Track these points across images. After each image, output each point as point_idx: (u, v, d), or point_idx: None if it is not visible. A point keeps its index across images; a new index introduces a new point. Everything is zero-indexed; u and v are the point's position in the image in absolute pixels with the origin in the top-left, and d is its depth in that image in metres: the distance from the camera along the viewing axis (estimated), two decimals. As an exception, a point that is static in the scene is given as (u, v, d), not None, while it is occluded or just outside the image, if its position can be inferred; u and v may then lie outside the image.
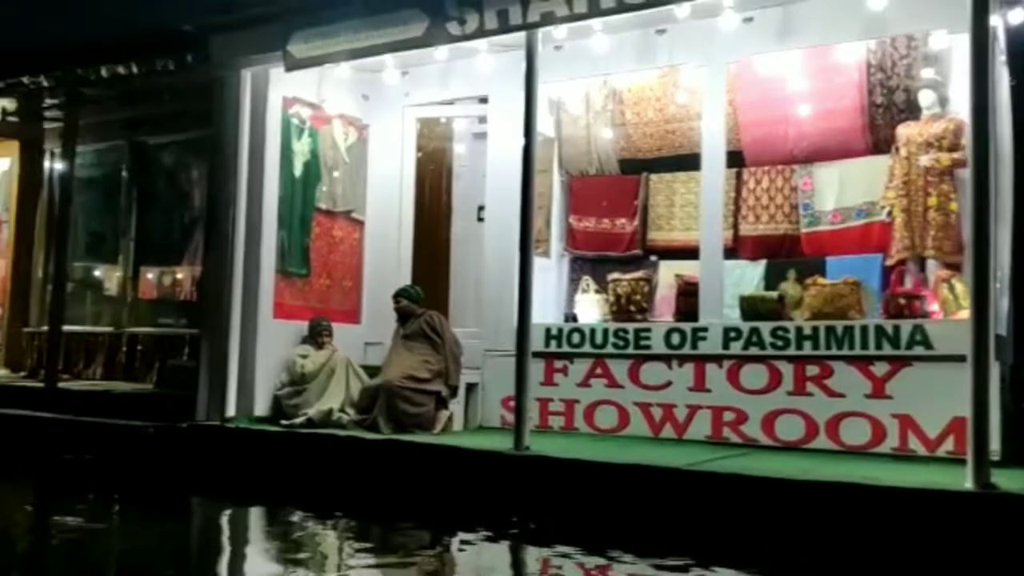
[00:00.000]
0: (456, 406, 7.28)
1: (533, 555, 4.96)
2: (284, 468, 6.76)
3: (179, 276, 10.29)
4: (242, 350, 7.35)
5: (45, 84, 8.69)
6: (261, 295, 7.46)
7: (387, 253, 8.47)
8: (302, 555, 4.91)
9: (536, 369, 7.26)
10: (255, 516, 6.30)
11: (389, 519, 5.81)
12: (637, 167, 8.44)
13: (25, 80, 8.76)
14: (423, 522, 5.67)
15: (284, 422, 7.16)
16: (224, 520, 6.13)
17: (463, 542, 5.17)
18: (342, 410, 7.17)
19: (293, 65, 6.93)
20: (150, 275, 10.33)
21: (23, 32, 10.41)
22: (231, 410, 7.31)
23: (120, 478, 7.46)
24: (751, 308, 6.80)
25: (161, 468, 7.40)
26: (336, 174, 8.24)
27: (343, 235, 8.32)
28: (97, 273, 10.67)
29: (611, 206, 8.47)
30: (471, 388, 7.51)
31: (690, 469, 5.28)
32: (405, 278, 8.31)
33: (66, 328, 10.42)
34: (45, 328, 10.71)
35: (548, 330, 7.36)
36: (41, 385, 9.14)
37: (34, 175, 11.49)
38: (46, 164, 11.08)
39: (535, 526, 5.42)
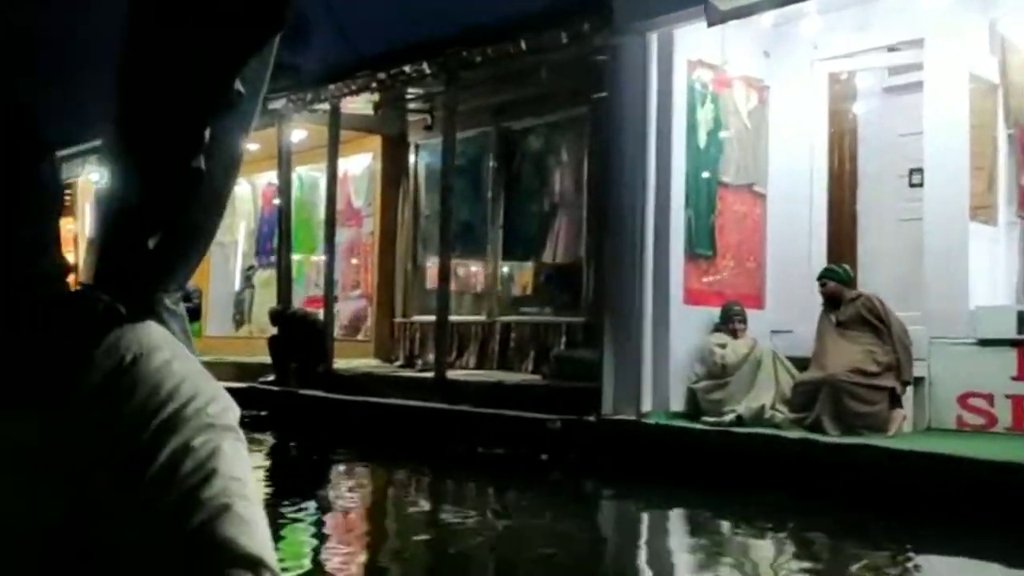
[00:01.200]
0: (905, 404, 6.24)
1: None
2: (712, 470, 6.04)
3: (544, 262, 9.96)
4: (655, 340, 6.71)
5: (428, 71, 8.52)
6: (671, 280, 6.79)
7: (794, 229, 7.52)
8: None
9: (1003, 360, 6.08)
10: (699, 521, 5.65)
11: (851, 534, 4.93)
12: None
13: (407, 69, 8.64)
14: (899, 542, 4.73)
15: (708, 419, 6.45)
16: (676, 525, 5.53)
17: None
18: (774, 407, 6.35)
19: (717, 19, 6.15)
20: (516, 263, 10.09)
21: (405, 20, 10.41)
22: (647, 404, 6.69)
23: (533, 471, 7.13)
24: None
25: (570, 463, 6.96)
26: (737, 143, 7.41)
27: (745, 210, 7.48)
28: (467, 262, 10.57)
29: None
30: (916, 383, 6.43)
31: None
32: (818, 257, 7.33)
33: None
34: (416, 318, 10.80)
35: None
36: (429, 375, 9.07)
37: (397, 169, 11.65)
38: (411, 158, 11.13)
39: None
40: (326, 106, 10.21)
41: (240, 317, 14.59)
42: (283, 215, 10.95)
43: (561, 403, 7.47)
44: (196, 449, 0.81)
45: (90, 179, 14.75)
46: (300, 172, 13.35)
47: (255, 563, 0.76)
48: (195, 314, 14.77)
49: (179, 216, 1.25)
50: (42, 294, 0.86)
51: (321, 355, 10.44)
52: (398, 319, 11.03)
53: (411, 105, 10.65)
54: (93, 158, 14.49)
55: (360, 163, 12.44)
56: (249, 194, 14.60)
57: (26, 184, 0.90)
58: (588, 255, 8.97)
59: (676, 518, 5.89)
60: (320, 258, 13.51)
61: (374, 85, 9.60)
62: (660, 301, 6.73)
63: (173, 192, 1.21)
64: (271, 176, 13.90)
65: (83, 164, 14.63)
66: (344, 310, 12.33)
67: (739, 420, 6.28)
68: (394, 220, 11.68)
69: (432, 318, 10.51)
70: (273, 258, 14.01)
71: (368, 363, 10.87)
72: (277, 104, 10.27)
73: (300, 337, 10.33)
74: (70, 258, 0.96)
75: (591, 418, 7.02)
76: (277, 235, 13.34)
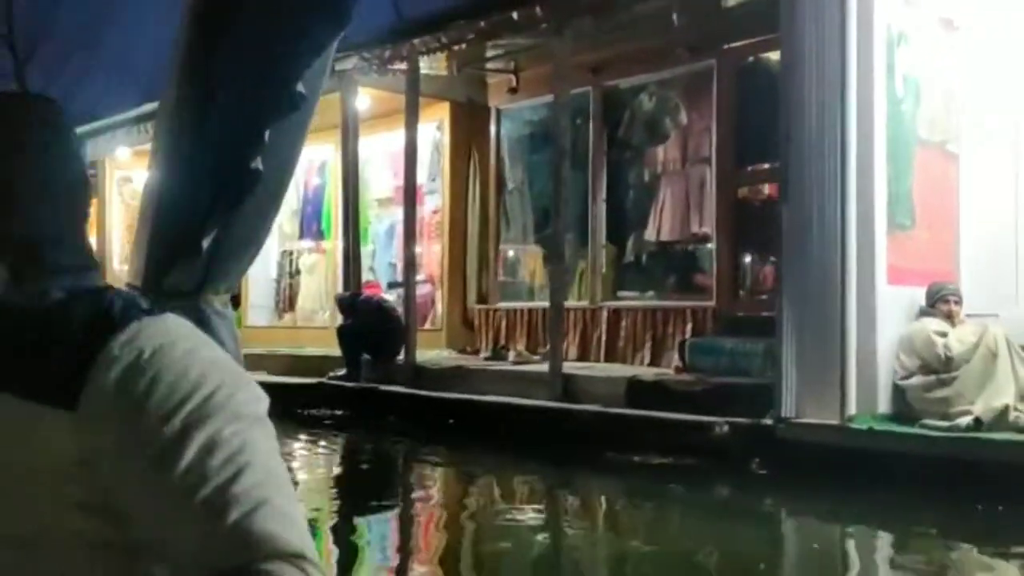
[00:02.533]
0: None
1: None
2: (943, 485, 4.90)
3: (648, 240, 8.79)
4: (859, 328, 5.55)
5: (539, 13, 7.28)
6: (876, 256, 5.62)
7: (996, 196, 6.37)
8: None
9: None
10: (950, 553, 4.52)
11: None
12: None
13: (515, 15, 7.41)
14: None
15: (933, 423, 5.30)
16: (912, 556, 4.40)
17: None
18: (1017, 407, 5.20)
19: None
20: (621, 241, 8.90)
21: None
22: (852, 406, 5.53)
23: (690, 482, 5.98)
24: None
25: (744, 474, 5.81)
26: (930, 92, 6.23)
27: (939, 173, 6.30)
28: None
29: None
30: None
31: None
32: (1025, 229, 6.19)
33: (529, 304, 9.26)
34: (501, 305, 9.61)
35: None
36: (535, 369, 7.89)
37: (468, 139, 10.43)
38: (490, 125, 9.89)
39: None
40: (403, 66, 8.97)
41: (283, 305, 13.36)
42: (349, 192, 9.72)
43: (710, 402, 6.32)
44: (227, 441, 0.78)
45: (117, 156, 13.48)
46: (335, 147, 12.13)
47: (297, 556, 0.75)
48: (234, 302, 13.56)
49: (235, 217, 1.34)
50: (63, 287, 0.85)
51: (396, 346, 9.26)
52: (477, 306, 9.83)
53: (490, 65, 9.43)
54: (122, 132, 13.21)
55: (423, 134, 11.20)
56: (290, 171, 13.35)
57: (47, 173, 0.89)
58: (719, 230, 7.79)
59: (908, 544, 4.78)
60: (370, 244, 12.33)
61: (455, 41, 8.38)
62: (862, 282, 5.56)
63: (229, 192, 1.30)
64: (316, 151, 12.69)
65: (111, 139, 13.36)
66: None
67: (977, 424, 5.13)
68: (464, 196, 10.48)
69: (520, 304, 9.36)
70: (321, 242, 12.82)
71: (441, 354, 9.69)
72: (346, 64, 9.03)
73: (373, 326, 9.14)
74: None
75: (767, 421, 5.87)
76: (336, 215, 12.18)
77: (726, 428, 5.97)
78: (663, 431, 6.28)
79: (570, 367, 7.92)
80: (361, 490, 6.73)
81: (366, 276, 12.30)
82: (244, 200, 1.43)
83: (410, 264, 9.03)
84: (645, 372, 7.38)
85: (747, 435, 5.89)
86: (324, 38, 1.49)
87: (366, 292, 9.69)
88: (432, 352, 9.56)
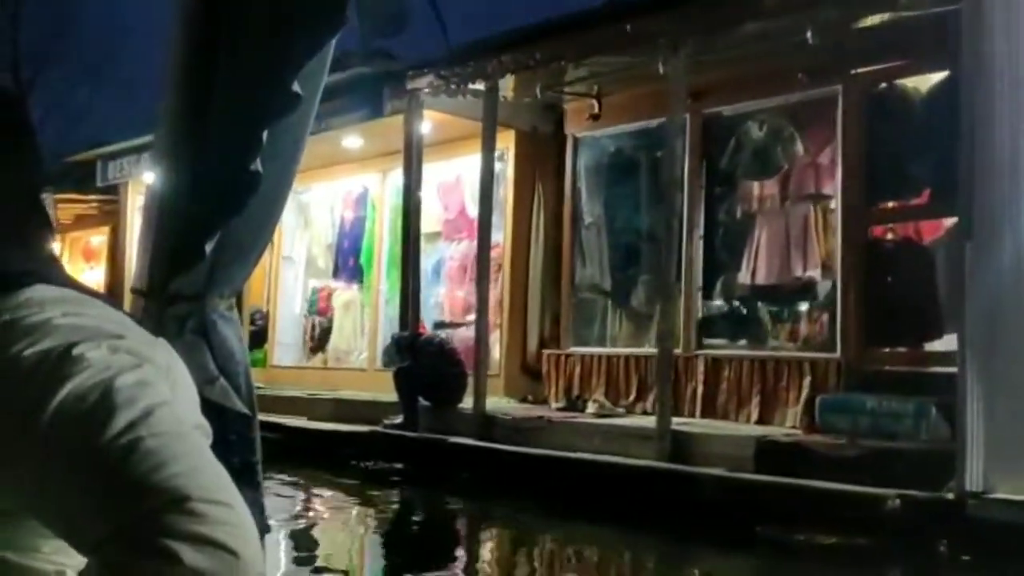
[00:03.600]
0: None
1: None
2: None
3: (740, 281, 7.95)
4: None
5: (652, 28, 6.50)
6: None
7: None
8: None
9: None
10: None
11: None
12: None
13: (628, 28, 6.62)
14: None
15: None
16: None
17: None
18: None
19: None
20: (717, 284, 8.05)
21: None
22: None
23: (862, 562, 5.05)
24: None
25: (927, 557, 4.91)
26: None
27: None
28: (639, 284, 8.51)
29: None
30: None
31: None
32: None
33: (608, 351, 8.38)
34: (575, 350, 8.70)
35: None
36: (632, 423, 6.98)
37: (532, 169, 9.61)
38: (568, 157, 9.04)
39: None
40: (478, 86, 8.17)
41: (314, 344, 12.39)
42: (410, 222, 8.83)
43: (867, 469, 5.43)
44: (86, 394, 0.75)
45: (143, 180, 12.59)
46: (391, 176, 11.31)
47: (177, 500, 0.69)
48: (259, 338, 12.61)
49: (237, 220, 1.33)
50: None
51: (459, 392, 8.34)
52: (546, 351, 8.91)
53: (571, 89, 8.64)
54: (146, 157, 12.35)
55: (479, 164, 10.38)
56: (326, 201, 12.48)
57: None
58: (846, 274, 6.94)
59: None
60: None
61: (550, 59, 7.59)
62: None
63: (230, 195, 1.29)
64: (355, 182, 11.86)
65: (136, 162, 12.51)
66: (457, 339, 10.20)
67: None
68: (528, 232, 9.63)
69: (598, 350, 8.46)
70: (351, 282, 11.92)
71: (500, 403, 8.75)
72: (419, 83, 8.22)
73: (435, 370, 8.22)
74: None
75: (949, 495, 4.97)
76: (380, 250, 11.30)
77: (898, 502, 5.06)
78: (814, 503, 5.36)
79: (681, 424, 7.03)
80: (435, 558, 5.78)
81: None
82: (246, 203, 1.38)
83: (483, 303, 8.12)
84: (774, 432, 6.48)
85: (926, 511, 4.98)
86: (320, 38, 1.45)
87: (426, 332, 8.78)
88: (489, 400, 8.62)
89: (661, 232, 7.58)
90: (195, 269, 1.30)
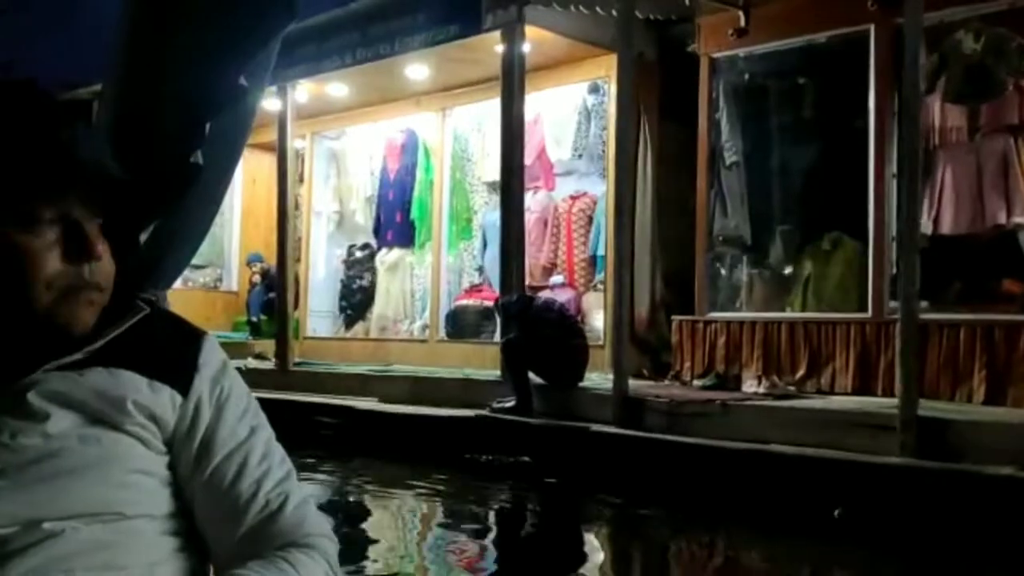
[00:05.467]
0: None
1: None
2: None
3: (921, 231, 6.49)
4: None
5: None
6: None
7: None
8: None
9: None
10: None
11: None
12: None
13: None
14: None
15: None
16: None
17: None
18: None
19: None
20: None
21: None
22: None
23: None
24: None
25: None
26: None
27: None
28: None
29: None
30: None
31: None
32: None
33: (764, 316, 6.92)
34: (716, 315, 7.19)
35: None
36: (837, 406, 5.52)
37: (637, 102, 8.04)
38: (703, 83, 7.43)
39: None
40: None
41: (352, 312, 10.74)
42: (509, 164, 7.20)
43: None
44: (261, 445, 1.07)
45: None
46: (453, 116, 9.67)
47: (322, 536, 1.05)
48: (273, 307, 10.88)
49: (173, 213, 1.32)
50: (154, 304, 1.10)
51: (581, 369, 6.83)
52: (679, 317, 7.38)
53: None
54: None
55: (564, 98, 8.79)
56: (364, 147, 10.79)
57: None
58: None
59: None
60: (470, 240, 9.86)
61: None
62: None
63: (169, 186, 1.24)
64: (398, 123, 10.20)
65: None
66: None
67: None
68: (632, 176, 8.06)
69: (751, 315, 6.98)
70: (398, 240, 10.29)
71: (606, 378, 7.25)
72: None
73: (552, 342, 6.69)
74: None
75: None
76: (439, 201, 9.67)
77: None
78: None
79: (880, 404, 5.58)
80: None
81: (470, 278, 9.86)
82: (184, 195, 1.34)
83: (620, 257, 6.56)
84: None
85: None
86: (271, 29, 1.40)
87: (544, 296, 7.23)
88: (593, 375, 7.12)
89: (826, 172, 6.05)
90: (127, 261, 1.12)
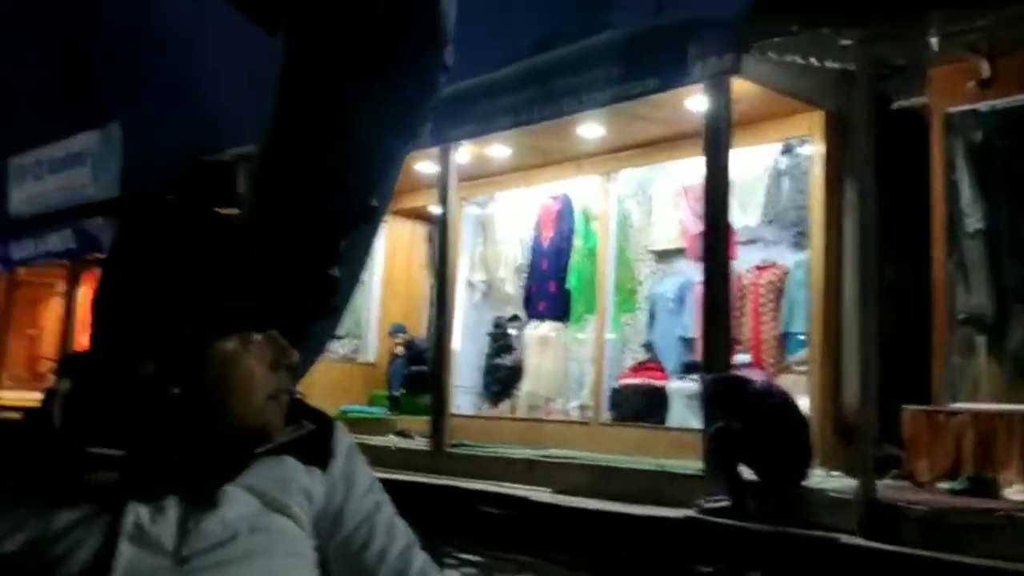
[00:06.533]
0: None
1: None
2: None
3: None
4: None
5: None
6: None
7: None
8: None
9: None
10: None
11: None
12: None
13: None
14: None
15: None
16: None
17: None
18: None
19: None
20: None
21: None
22: None
23: None
24: None
25: None
26: None
27: None
28: None
29: None
30: None
31: None
32: None
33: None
34: (964, 406, 6.19)
35: None
36: None
37: (840, 163, 7.22)
38: (936, 140, 6.53)
39: None
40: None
41: (499, 389, 9.99)
42: (716, 224, 6.41)
43: None
44: (385, 518, 1.18)
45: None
46: (618, 178, 8.97)
47: None
48: (420, 381, 10.22)
49: (309, 324, 1.34)
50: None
51: (805, 464, 5.89)
52: (912, 407, 6.38)
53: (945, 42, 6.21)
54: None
55: (754, 159, 8.00)
56: (515, 213, 10.16)
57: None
58: None
59: None
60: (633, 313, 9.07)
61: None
62: None
63: (305, 300, 1.28)
64: (555, 188, 9.56)
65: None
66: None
67: None
68: (837, 247, 7.19)
69: (1001, 407, 5.95)
70: (550, 313, 9.55)
71: (824, 477, 6.28)
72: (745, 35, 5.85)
73: (773, 433, 5.78)
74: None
75: None
76: (603, 271, 8.92)
77: None
78: None
79: None
80: None
81: (634, 355, 9.03)
82: (320, 307, 1.38)
83: (867, 332, 5.66)
84: None
85: None
86: (398, 151, 1.46)
87: (758, 377, 6.36)
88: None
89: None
90: None
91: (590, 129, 7.97)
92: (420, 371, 10.22)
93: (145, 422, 1.04)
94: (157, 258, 1.05)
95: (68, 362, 1.11)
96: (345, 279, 1.38)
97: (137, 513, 1.01)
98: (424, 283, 11.20)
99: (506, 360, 9.87)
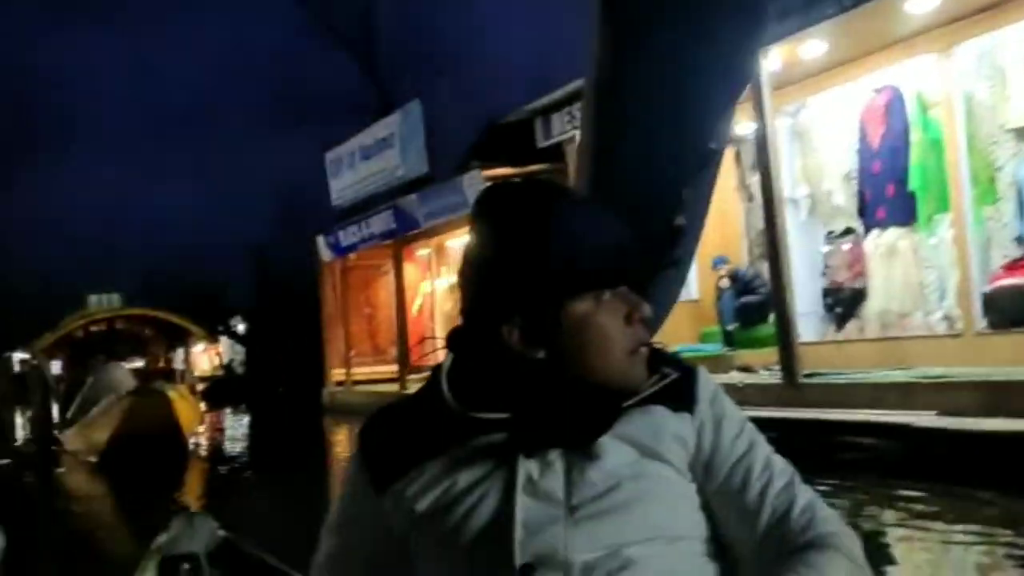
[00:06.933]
0: None
1: None
2: None
3: None
4: None
5: None
6: None
7: None
8: None
9: None
10: None
11: None
12: None
13: None
14: None
15: None
16: None
17: None
18: None
19: None
20: None
21: None
22: None
23: None
24: None
25: None
26: None
27: None
28: None
29: None
30: None
31: None
32: None
33: None
34: None
35: None
36: None
37: None
38: None
39: None
40: None
41: (843, 310, 9.19)
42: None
43: None
44: (773, 460, 1.15)
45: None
46: (962, 49, 7.78)
47: (835, 533, 1.10)
48: (754, 311, 9.64)
49: (657, 275, 1.36)
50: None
51: None
52: None
53: None
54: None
55: None
56: (836, 116, 9.23)
57: None
58: None
59: None
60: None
61: None
62: None
63: (651, 251, 1.29)
64: (875, 78, 8.51)
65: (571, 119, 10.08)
66: None
67: None
68: None
69: None
70: (893, 220, 8.56)
71: None
72: None
73: None
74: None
75: None
76: (957, 170, 7.85)
77: None
78: None
79: None
80: None
81: (1003, 251, 7.87)
82: (668, 256, 1.41)
83: None
84: None
85: None
86: (732, 91, 1.45)
87: None
88: None
89: None
90: None
91: (917, 4, 6.95)
92: (751, 302, 9.67)
93: (521, 386, 1.10)
94: (515, 231, 1.09)
95: (449, 337, 1.18)
96: (689, 227, 1.37)
97: (528, 468, 1.08)
98: (738, 207, 10.58)
99: (846, 277, 9.03)
